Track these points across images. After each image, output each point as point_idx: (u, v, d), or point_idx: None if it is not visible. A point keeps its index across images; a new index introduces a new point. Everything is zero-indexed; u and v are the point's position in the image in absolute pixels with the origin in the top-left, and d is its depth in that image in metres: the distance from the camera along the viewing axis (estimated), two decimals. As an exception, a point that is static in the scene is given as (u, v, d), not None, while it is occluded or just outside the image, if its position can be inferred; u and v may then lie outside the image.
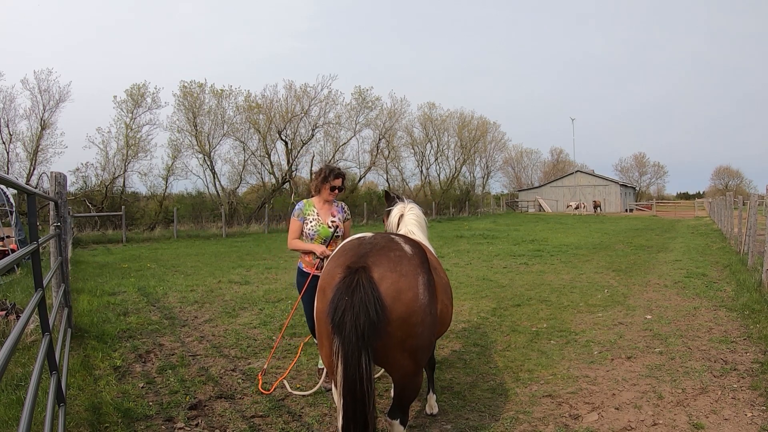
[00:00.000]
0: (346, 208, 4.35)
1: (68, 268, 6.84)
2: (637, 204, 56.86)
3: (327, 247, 4.00)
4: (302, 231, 4.11)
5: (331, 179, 4.14)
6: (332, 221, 4.14)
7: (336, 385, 2.66)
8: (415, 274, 2.64)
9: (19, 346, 4.65)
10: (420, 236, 3.64)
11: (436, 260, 3.27)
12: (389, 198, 4.27)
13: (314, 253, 4.01)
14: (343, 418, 2.53)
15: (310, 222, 4.10)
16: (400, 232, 3.56)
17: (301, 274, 4.20)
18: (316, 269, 4.03)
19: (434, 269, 2.96)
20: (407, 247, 2.80)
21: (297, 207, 4.17)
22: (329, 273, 2.73)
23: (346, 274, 2.56)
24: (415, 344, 2.62)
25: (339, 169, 4.24)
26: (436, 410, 3.82)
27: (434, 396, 3.84)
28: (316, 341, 3.44)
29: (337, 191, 4.19)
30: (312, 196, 4.30)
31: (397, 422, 2.81)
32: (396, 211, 3.81)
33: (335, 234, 4.11)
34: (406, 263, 2.66)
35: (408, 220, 3.71)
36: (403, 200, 3.98)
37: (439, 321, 2.89)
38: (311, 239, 4.10)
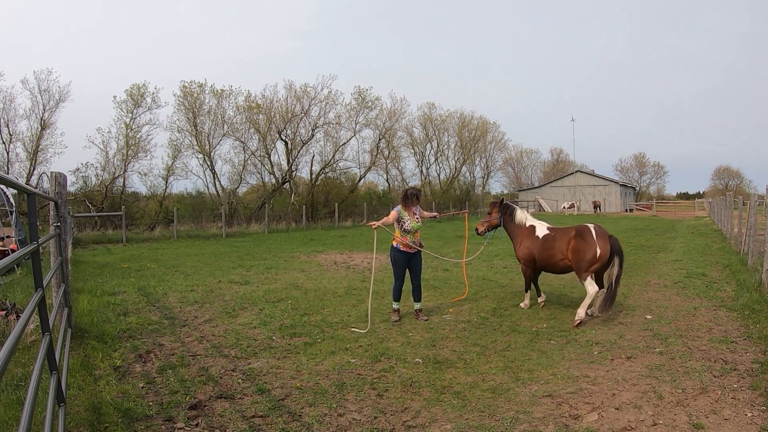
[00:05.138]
0: (420, 208, 6.91)
1: (68, 268, 6.84)
2: (637, 204, 56.86)
3: (414, 234, 6.65)
4: (398, 221, 6.59)
5: (404, 195, 6.70)
6: (417, 218, 6.71)
7: (594, 278, 6.44)
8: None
9: (19, 346, 4.65)
10: (537, 222, 6.99)
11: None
12: (503, 204, 7.45)
13: (411, 236, 6.61)
14: (608, 285, 6.27)
15: (406, 221, 6.57)
16: (531, 222, 7.05)
17: (395, 251, 6.65)
18: (407, 247, 6.64)
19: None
20: (599, 230, 6.43)
21: (396, 209, 6.66)
22: (589, 231, 6.43)
23: (602, 233, 6.38)
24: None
25: (411, 187, 7.02)
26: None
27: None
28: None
29: (415, 199, 6.68)
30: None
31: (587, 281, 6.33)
32: (520, 212, 7.02)
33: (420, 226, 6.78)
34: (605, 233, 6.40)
35: (530, 217, 7.00)
36: (514, 206, 7.26)
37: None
38: (407, 231, 6.60)
